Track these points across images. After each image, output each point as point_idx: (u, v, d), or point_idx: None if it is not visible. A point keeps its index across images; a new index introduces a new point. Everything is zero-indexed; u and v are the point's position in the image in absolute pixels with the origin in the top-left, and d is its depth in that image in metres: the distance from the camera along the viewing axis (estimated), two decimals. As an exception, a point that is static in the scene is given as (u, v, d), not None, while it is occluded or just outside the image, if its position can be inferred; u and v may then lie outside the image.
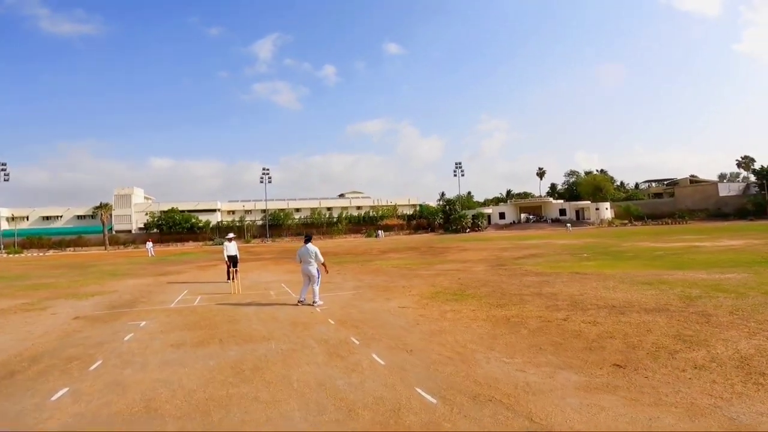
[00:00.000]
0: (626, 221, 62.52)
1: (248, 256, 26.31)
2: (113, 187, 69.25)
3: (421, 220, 72.63)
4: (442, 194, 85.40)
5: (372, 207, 79.37)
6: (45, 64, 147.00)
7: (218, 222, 68.50)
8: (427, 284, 10.79)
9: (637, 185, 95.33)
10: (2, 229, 55.11)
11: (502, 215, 71.19)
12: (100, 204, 61.23)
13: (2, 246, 49.93)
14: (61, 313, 8.13)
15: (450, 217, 65.64)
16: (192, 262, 24.21)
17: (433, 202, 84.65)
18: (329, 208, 79.23)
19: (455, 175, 73.38)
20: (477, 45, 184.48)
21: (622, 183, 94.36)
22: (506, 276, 11.62)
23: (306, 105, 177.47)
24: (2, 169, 50.48)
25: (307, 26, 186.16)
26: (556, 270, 12.43)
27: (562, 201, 74.43)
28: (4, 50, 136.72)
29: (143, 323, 7.00)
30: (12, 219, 62.04)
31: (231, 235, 13.85)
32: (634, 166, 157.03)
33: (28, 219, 64.79)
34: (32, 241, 55.47)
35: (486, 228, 65.08)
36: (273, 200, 73.07)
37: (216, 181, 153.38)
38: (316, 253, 8.54)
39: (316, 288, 8.52)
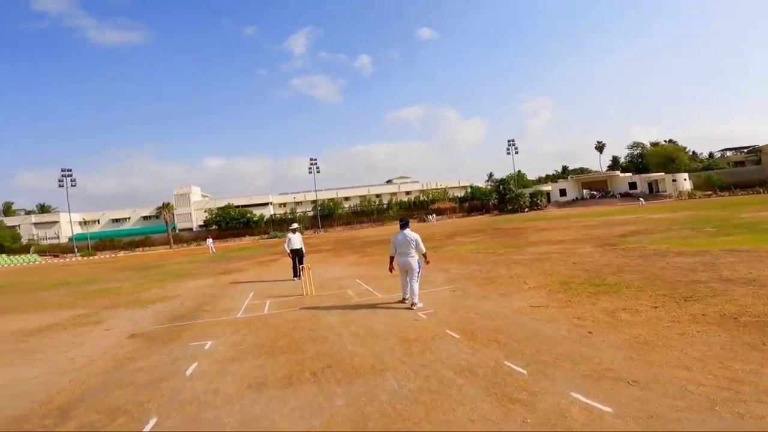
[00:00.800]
0: (709, 192, 55.37)
1: (305, 248, 25.26)
2: (173, 189, 71.98)
3: (474, 202, 69.49)
4: (491, 175, 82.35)
5: (421, 191, 77.12)
6: (97, 74, 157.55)
7: (271, 215, 69.38)
8: (539, 272, 8.63)
9: (711, 155, 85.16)
10: (76, 233, 59.01)
11: (562, 192, 66.24)
12: (162, 204, 63.79)
13: (76, 249, 53.32)
14: (115, 329, 6.85)
15: (505, 197, 62.27)
16: (251, 257, 23.46)
17: (480, 184, 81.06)
18: (378, 195, 77.82)
19: (508, 153, 69.33)
20: (513, 23, 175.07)
21: (694, 153, 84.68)
22: (638, 258, 9.13)
23: (345, 96, 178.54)
24: (69, 175, 53.63)
25: (338, 18, 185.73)
26: (694, 248, 9.76)
27: (630, 174, 67.86)
28: (59, 64, 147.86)
29: (208, 344, 5.45)
30: (84, 223, 66.34)
31: (295, 225, 12.28)
32: (700, 137, 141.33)
33: (99, 222, 69.01)
34: (104, 243, 58.86)
35: (546, 206, 60.98)
36: (322, 190, 72.89)
37: (265, 177, 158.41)
38: (416, 241, 6.72)
39: (416, 286, 6.70)
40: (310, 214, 69.64)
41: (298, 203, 74.89)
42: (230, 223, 62.93)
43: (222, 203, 68.46)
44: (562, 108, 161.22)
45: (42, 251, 53.92)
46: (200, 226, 67.41)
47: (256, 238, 59.65)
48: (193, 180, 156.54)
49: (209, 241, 34.82)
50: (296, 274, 11.57)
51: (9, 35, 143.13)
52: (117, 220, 69.53)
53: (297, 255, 11.66)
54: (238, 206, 66.94)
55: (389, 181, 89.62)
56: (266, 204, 72.80)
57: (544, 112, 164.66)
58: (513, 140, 68.66)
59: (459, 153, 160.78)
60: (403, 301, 6.96)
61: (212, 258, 26.05)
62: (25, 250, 53.63)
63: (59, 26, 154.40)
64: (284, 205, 76.03)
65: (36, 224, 63.59)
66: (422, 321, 5.79)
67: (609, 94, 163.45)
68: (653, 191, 60.49)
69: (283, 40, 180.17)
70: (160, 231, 62.07)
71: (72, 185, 53.74)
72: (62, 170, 53.38)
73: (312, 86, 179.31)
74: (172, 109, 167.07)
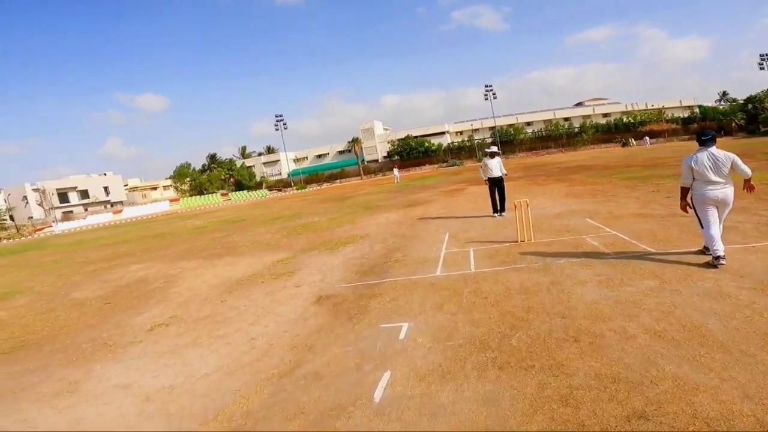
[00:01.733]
0: None
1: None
2: (359, 125, 77.47)
3: (708, 123, 53.53)
4: (724, 93, 67.46)
5: (624, 113, 62.77)
6: (283, 34, 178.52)
7: (448, 143, 67.99)
8: None
9: None
10: (291, 169, 70.33)
11: None
12: (352, 139, 69.51)
13: (292, 183, 63.68)
14: (305, 286, 6.11)
15: (758, 117, 48.18)
16: (435, 187, 22.35)
17: (703, 105, 64.39)
18: (567, 119, 66.96)
19: (762, 68, 48.68)
20: None
21: None
22: None
23: (511, 24, 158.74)
24: (281, 120, 62.66)
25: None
26: None
27: None
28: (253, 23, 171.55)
29: (404, 330, 3.88)
30: (297, 160, 78.39)
31: (494, 148, 9.80)
32: None
33: (307, 159, 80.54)
34: (311, 177, 68.62)
35: None
36: (500, 116, 66.73)
37: (438, 109, 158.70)
38: (734, 161, 4.34)
39: (718, 230, 4.39)
40: (489, 140, 65.26)
41: (475, 130, 70.96)
42: (411, 153, 64.41)
43: (402, 134, 70.21)
44: None
45: (270, 186, 66.51)
46: (384, 157, 71.28)
47: (435, 166, 59.64)
48: (375, 116, 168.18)
49: (395, 171, 35.66)
50: (496, 209, 9.41)
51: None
52: (320, 156, 79.56)
53: (496, 185, 9.37)
54: (416, 137, 67.60)
55: (580, 104, 75.90)
56: (443, 133, 71.39)
57: None
58: (766, 54, 47.86)
59: (668, 74, 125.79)
60: (714, 264, 4.34)
61: (397, 187, 26.23)
62: (258, 186, 67.10)
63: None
64: (461, 133, 73.26)
65: (265, 163, 78.44)
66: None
67: None
68: None
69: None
70: (352, 164, 68.35)
71: (285, 128, 62.98)
72: (276, 116, 62.74)
73: (474, 16, 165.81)
74: (349, 55, 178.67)
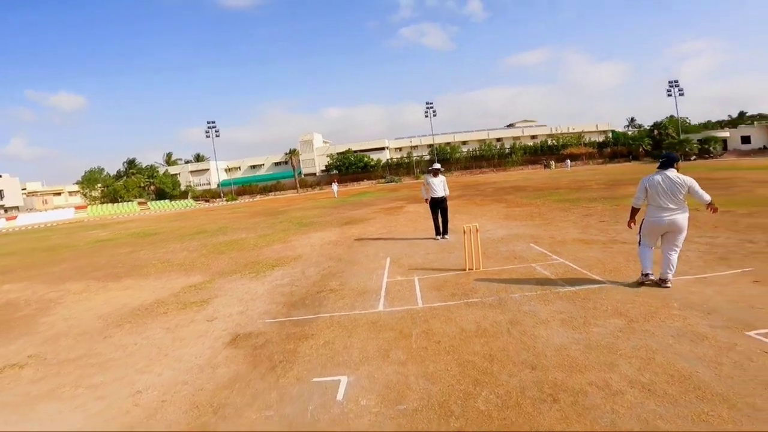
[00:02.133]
0: None
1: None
2: (299, 137, 75.61)
3: (619, 148, 59.80)
4: (632, 119, 76.58)
5: (549, 135, 68.08)
6: (233, 36, 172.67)
7: (387, 159, 68.57)
8: None
9: None
10: (222, 179, 66.17)
11: (745, 139, 53.03)
12: (289, 150, 67.31)
13: (222, 194, 59.79)
14: (219, 319, 5.02)
15: (662, 143, 53.53)
16: (374, 203, 21.79)
17: (616, 130, 71.21)
18: (499, 139, 71.06)
19: (669, 95, 56.11)
20: None
21: None
22: None
23: (457, 43, 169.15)
24: (213, 127, 58.79)
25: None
26: None
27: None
28: (193, 31, 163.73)
29: (342, 388, 3.03)
30: (229, 170, 74.12)
31: (437, 165, 9.17)
32: None
33: (240, 169, 76.46)
34: (244, 188, 65.05)
35: (722, 155, 50.20)
36: (438, 134, 69.02)
37: (380, 124, 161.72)
38: (691, 187, 4.19)
39: (675, 256, 4.34)
40: (426, 158, 66.94)
41: (414, 147, 72.53)
42: (350, 168, 63.84)
43: (342, 148, 69.59)
44: (729, 51, 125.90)
45: (197, 196, 61.83)
46: (322, 170, 70.02)
47: (374, 182, 59.56)
48: (317, 128, 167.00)
49: (334, 185, 34.58)
50: (439, 231, 8.93)
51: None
52: (254, 167, 75.96)
53: (439, 206, 8.90)
54: (356, 151, 67.35)
55: (511, 125, 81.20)
56: (382, 149, 72.01)
57: (706, 54, 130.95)
58: (676, 81, 55.94)
59: (588, 98, 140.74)
60: (642, 282, 4.51)
61: (334, 203, 25.30)
62: (183, 195, 62.09)
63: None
64: (400, 149, 74.49)
65: (192, 172, 72.98)
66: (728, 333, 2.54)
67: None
68: None
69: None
70: (288, 176, 66.10)
71: (217, 136, 59.19)
72: (208, 122, 58.82)
73: (422, 34, 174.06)
74: (294, 65, 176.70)
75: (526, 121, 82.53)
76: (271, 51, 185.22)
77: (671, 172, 4.26)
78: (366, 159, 64.88)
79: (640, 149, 56.57)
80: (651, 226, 4.37)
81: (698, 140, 52.50)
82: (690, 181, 4.18)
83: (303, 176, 67.70)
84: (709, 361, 2.89)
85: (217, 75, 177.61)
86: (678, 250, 4.32)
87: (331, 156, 67.98)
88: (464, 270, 5.86)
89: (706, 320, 3.53)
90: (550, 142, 65.57)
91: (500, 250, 7.05)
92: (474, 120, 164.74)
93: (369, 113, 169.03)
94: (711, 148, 51.05)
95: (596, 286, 4.72)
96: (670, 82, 56.30)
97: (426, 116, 63.45)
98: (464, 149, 69.35)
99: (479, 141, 70.65)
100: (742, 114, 77.69)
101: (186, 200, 56.19)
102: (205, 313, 5.23)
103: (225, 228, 16.37)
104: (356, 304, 4.96)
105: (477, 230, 5.92)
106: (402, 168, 65.41)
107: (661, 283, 4.34)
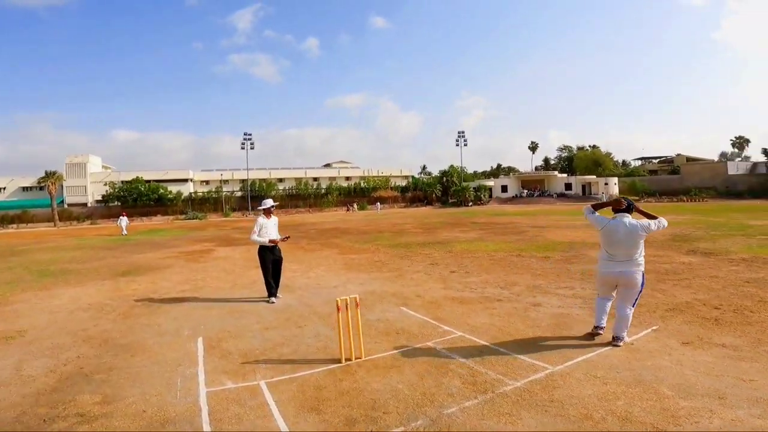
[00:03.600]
0: (637, 197, 58.22)
1: (242, 234, 19.16)
2: (66, 157, 58.96)
3: (417, 193, 67.75)
4: (423, 167, 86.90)
5: (362, 178, 72.81)
6: (7, 35, 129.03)
7: (191, 193, 60.09)
8: (668, 296, 4.89)
9: (624, 162, 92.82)
10: None
11: (504, 188, 67.20)
12: (46, 173, 50.85)
13: None
14: None
15: (449, 190, 61.81)
16: (171, 244, 17.19)
17: (415, 176, 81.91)
18: (315, 179, 71.99)
19: (457, 145, 67.63)
20: (462, 21, 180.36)
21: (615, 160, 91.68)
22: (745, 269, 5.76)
23: (286, 77, 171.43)
24: None
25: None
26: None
27: (566, 175, 70.69)
28: None
29: None
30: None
31: (269, 203, 6.84)
32: (605, 146, 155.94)
33: (-40, 191, 54.03)
34: (-36, 217, 45.62)
35: (489, 202, 61.32)
36: (254, 169, 64.93)
37: (185, 153, 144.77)
38: (649, 226, 3.93)
39: (630, 313, 3.97)
40: (239, 194, 61.65)
41: (224, 181, 66.18)
42: (138, 200, 52.70)
43: (129, 176, 57.46)
44: (494, 108, 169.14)
45: None
46: (98, 201, 56.00)
47: (170, 218, 50.38)
48: (99, 151, 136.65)
49: (123, 218, 25.83)
50: (272, 291, 6.58)
51: None
52: (-13, 190, 55.09)
53: (273, 256, 6.61)
54: (149, 180, 56.52)
55: (328, 165, 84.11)
56: (185, 180, 63.14)
57: (478, 111, 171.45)
58: (463, 132, 67.11)
59: (394, 144, 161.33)
60: (593, 334, 4.19)
61: (112, 242, 19.06)
62: None
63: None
64: (207, 182, 66.88)
65: None
66: None
67: (533, 98, 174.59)
68: (586, 193, 63.13)
69: (229, 14, 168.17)
70: (43, 205, 50.05)
71: None
72: None
73: (252, 64, 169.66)
74: (85, 74, 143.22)
75: (342, 161, 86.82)
76: (58, 56, 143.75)
77: (628, 219, 3.96)
78: (162, 190, 54.93)
79: (433, 195, 64.07)
80: (603, 276, 4.11)
81: (474, 188, 62.87)
82: (647, 223, 3.94)
83: (66, 206, 52.49)
84: None
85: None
86: (631, 306, 3.99)
87: (111, 184, 55.12)
88: (340, 362, 3.79)
89: (688, 402, 2.49)
90: (363, 185, 68.85)
91: (369, 319, 5.18)
92: (292, 158, 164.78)
93: (174, 140, 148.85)
94: (482, 196, 61.91)
95: (542, 374, 3.38)
96: (459, 133, 66.49)
97: (242, 148, 59.10)
98: (281, 187, 67.01)
99: (296, 179, 69.76)
100: (499, 166, 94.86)
101: None
102: None
103: None
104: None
105: (357, 304, 3.97)
106: (209, 203, 57.81)
107: (614, 341, 3.99)
